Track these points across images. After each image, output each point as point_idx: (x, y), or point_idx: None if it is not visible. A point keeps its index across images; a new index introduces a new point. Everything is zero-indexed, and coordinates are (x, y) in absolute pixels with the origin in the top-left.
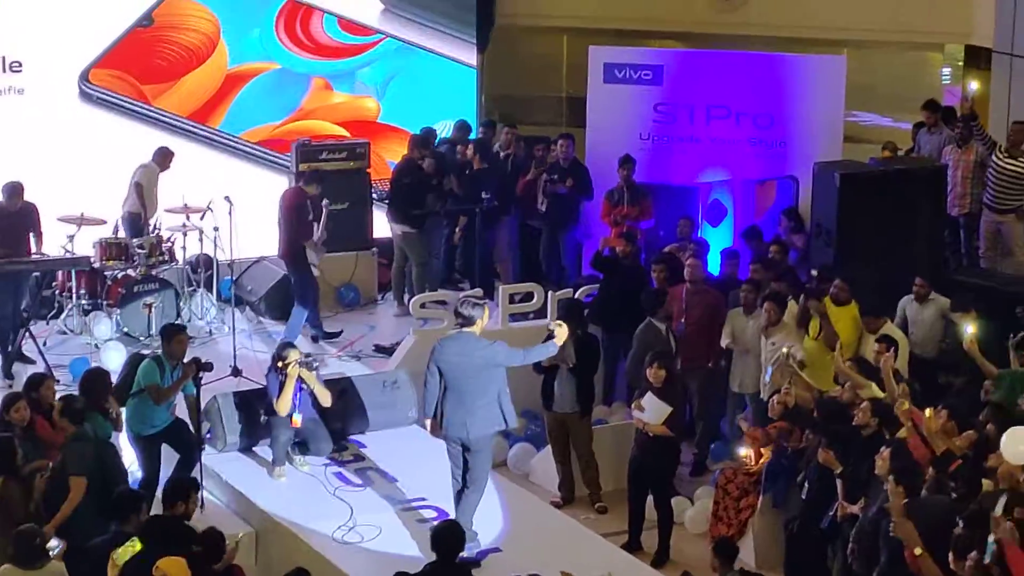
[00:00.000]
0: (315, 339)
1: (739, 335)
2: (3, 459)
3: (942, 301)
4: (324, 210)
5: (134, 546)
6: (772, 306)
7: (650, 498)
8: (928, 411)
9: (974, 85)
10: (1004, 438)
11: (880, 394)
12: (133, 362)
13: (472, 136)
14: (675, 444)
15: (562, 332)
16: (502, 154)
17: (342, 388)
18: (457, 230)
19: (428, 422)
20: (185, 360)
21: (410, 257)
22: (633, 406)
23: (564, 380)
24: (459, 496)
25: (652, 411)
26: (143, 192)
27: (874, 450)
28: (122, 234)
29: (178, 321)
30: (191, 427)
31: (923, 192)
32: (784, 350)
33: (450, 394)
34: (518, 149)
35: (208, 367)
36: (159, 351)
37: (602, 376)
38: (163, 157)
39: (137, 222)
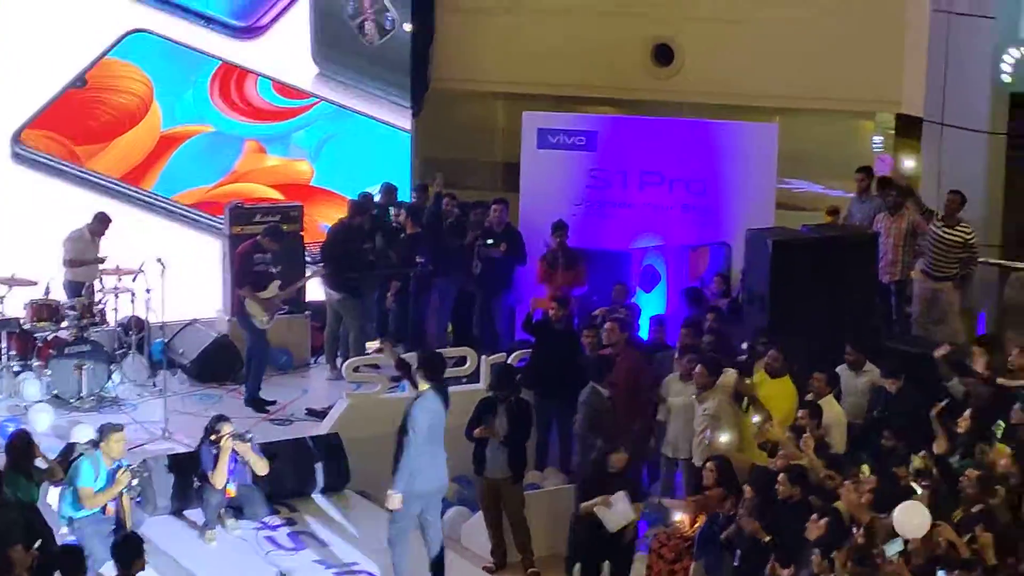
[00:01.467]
0: (246, 403)
1: (673, 400)
2: None
3: (876, 371)
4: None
5: None
6: (703, 371)
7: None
8: (846, 484)
9: (908, 162)
10: (896, 513)
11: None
12: (67, 454)
13: (400, 198)
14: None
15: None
16: (444, 210)
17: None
18: (389, 294)
19: (396, 497)
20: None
21: (346, 322)
22: (599, 500)
23: (496, 446)
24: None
25: (620, 513)
26: (75, 264)
27: (800, 517)
28: (54, 296)
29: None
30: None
31: (856, 259)
32: (720, 440)
33: (425, 449)
34: (453, 212)
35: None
36: (95, 449)
37: (535, 441)
38: (99, 223)
39: (78, 290)
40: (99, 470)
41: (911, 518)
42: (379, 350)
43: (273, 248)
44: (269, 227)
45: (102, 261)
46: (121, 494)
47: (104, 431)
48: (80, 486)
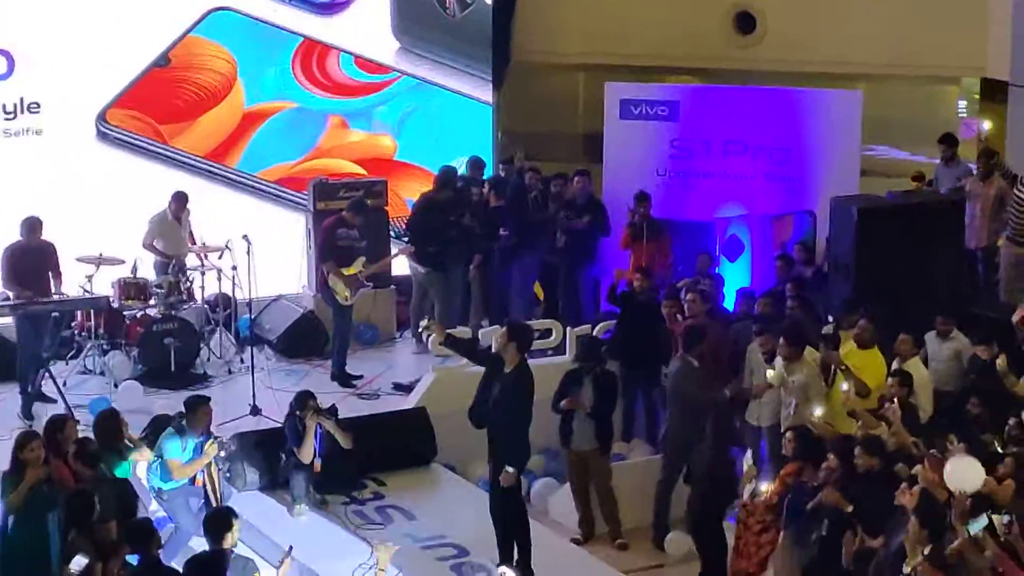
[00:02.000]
0: (332, 378)
1: (757, 370)
2: (80, 513)
3: (963, 339)
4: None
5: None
6: (786, 343)
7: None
8: (918, 467)
9: (986, 125)
10: (948, 466)
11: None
12: (155, 427)
13: (487, 173)
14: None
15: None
16: (528, 183)
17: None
18: (472, 267)
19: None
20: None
21: (431, 295)
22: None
23: (582, 418)
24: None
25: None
26: (155, 246)
27: (883, 487)
28: (141, 274)
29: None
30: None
31: (941, 225)
32: (817, 413)
33: None
34: (536, 186)
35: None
36: (182, 420)
37: (621, 412)
38: (175, 201)
39: (165, 268)
40: (186, 442)
41: (964, 472)
42: (427, 327)
43: (357, 223)
44: (353, 201)
45: (191, 242)
46: (209, 466)
47: (190, 404)
48: (168, 458)
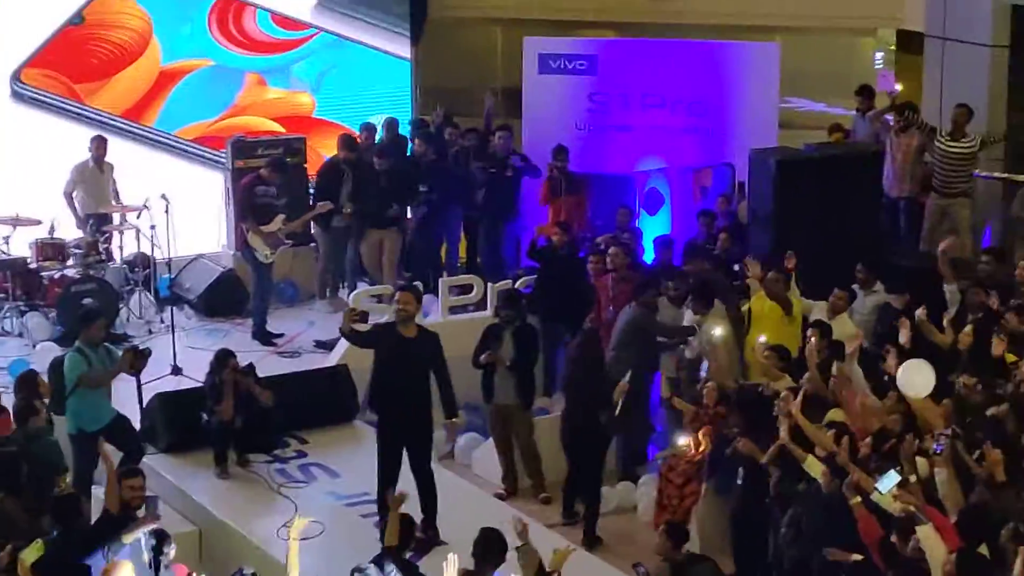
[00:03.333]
0: (253, 336)
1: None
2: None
3: (883, 292)
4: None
5: (39, 548)
6: (699, 297)
7: None
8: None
9: (899, 86)
10: (899, 372)
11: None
12: (55, 365)
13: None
14: None
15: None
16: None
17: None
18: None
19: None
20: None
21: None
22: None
23: (503, 372)
24: None
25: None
26: (74, 197)
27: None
28: (59, 234)
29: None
30: None
31: (859, 176)
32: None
33: None
34: (457, 142)
35: (145, 354)
36: (77, 344)
37: (542, 366)
38: (94, 147)
39: (102, 221)
40: (87, 355)
41: (914, 376)
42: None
43: (276, 180)
44: (271, 159)
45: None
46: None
47: (85, 317)
48: (77, 375)
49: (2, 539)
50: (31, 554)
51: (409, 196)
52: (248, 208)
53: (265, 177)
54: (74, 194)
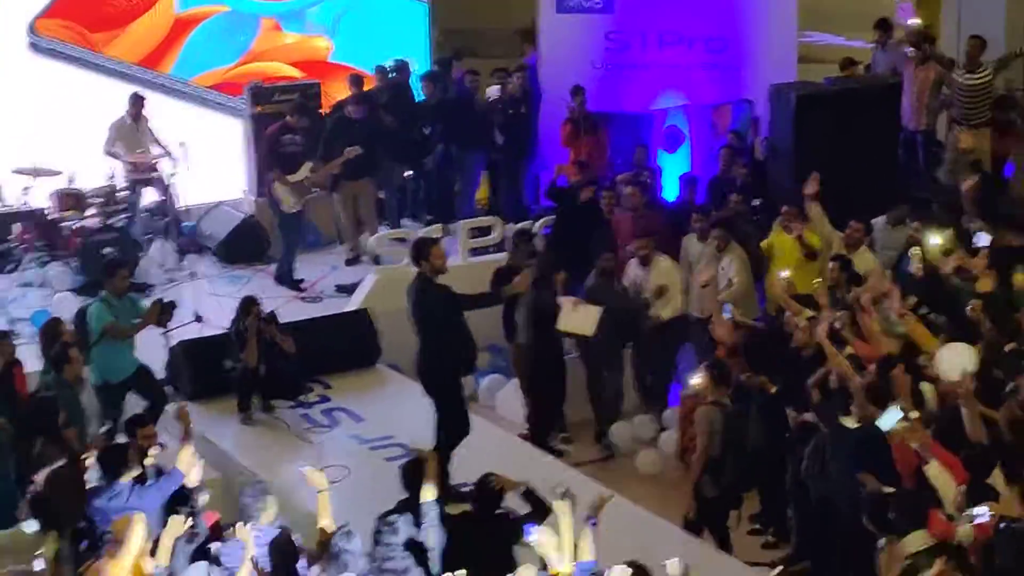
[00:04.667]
0: (277, 280)
1: (694, 261)
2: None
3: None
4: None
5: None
6: (722, 232)
7: None
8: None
9: (918, 20)
10: (940, 353)
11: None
12: (80, 315)
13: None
14: None
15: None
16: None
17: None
18: (406, 174)
19: None
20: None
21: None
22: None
23: (525, 312)
24: None
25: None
26: (115, 152)
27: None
28: (77, 184)
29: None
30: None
31: (878, 109)
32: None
33: None
34: (473, 84)
35: (171, 307)
36: (102, 294)
37: None
38: (131, 105)
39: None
40: (112, 305)
41: (954, 357)
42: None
43: (303, 126)
44: (296, 104)
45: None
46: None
47: (109, 268)
48: (102, 325)
49: None
50: (49, 548)
51: (414, 150)
52: (275, 158)
53: (292, 124)
54: (114, 149)
